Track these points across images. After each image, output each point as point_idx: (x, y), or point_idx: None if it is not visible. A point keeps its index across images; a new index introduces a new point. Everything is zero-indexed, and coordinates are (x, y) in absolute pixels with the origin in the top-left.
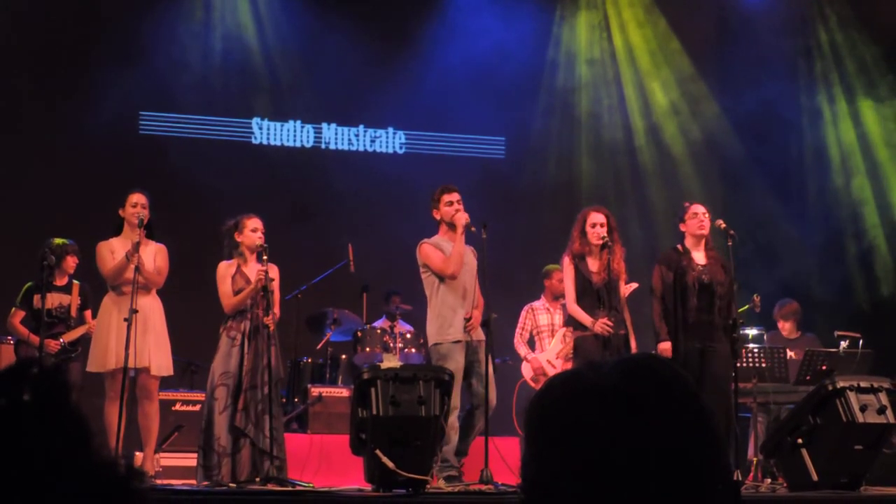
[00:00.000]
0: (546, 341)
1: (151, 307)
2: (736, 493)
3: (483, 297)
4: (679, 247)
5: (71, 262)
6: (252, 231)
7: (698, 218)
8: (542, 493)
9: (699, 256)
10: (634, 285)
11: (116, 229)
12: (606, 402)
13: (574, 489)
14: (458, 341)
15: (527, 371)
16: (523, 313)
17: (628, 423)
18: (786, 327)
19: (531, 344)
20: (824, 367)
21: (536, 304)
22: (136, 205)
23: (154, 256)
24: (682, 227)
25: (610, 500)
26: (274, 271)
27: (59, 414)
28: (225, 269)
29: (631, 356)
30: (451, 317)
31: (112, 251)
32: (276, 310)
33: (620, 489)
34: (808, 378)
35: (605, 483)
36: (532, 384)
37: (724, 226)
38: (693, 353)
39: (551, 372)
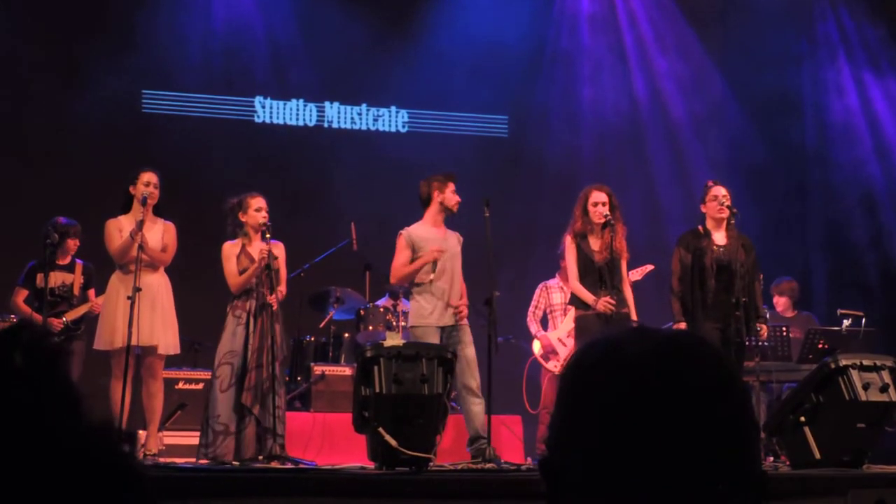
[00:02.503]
0: (559, 319)
1: (159, 285)
2: (763, 486)
3: (485, 275)
4: (700, 228)
5: (73, 243)
6: (256, 210)
7: (717, 201)
8: (562, 453)
9: (719, 237)
10: (650, 267)
11: (125, 206)
12: (644, 376)
13: (591, 455)
14: (437, 326)
15: (537, 349)
16: (538, 291)
17: (662, 400)
18: (780, 303)
19: (544, 321)
20: (822, 345)
21: (551, 282)
22: (149, 183)
23: (162, 234)
24: (703, 209)
25: (626, 472)
26: (279, 249)
27: (50, 377)
28: (229, 248)
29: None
30: (434, 301)
31: (120, 228)
32: (283, 287)
33: (641, 464)
34: (810, 357)
35: (626, 456)
36: (542, 362)
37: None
38: (712, 335)
39: (561, 350)
